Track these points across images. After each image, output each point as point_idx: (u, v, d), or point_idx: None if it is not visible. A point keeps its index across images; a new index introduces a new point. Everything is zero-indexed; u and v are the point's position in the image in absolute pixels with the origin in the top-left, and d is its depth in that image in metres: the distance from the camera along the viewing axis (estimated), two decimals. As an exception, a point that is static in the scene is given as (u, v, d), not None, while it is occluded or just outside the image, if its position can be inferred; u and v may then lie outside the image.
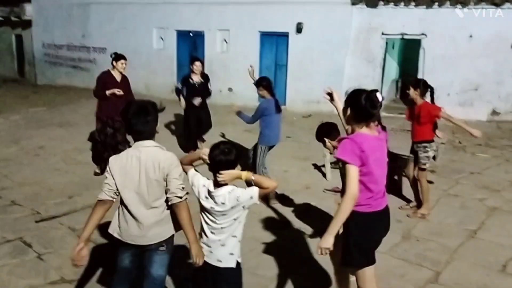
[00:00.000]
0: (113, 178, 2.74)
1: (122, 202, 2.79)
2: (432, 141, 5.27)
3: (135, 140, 2.78)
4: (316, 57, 11.30)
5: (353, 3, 10.78)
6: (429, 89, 5.19)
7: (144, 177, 2.71)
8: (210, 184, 2.67)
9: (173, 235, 2.88)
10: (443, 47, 10.10)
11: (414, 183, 5.43)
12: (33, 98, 13.51)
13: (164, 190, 2.74)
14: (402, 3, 10.29)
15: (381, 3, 10.52)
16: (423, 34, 10.24)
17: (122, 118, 2.82)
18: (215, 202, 2.63)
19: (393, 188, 6.12)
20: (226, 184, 2.63)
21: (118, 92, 6.25)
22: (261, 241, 4.65)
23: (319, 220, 5.07)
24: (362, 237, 2.74)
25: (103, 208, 2.76)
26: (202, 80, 7.50)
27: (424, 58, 10.38)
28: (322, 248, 2.62)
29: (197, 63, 7.46)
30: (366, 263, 2.73)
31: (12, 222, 4.88)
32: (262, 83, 5.82)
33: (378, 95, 2.76)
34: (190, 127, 7.62)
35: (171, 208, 2.76)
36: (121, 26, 14.11)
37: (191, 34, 13.07)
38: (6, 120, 10.28)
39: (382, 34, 10.66)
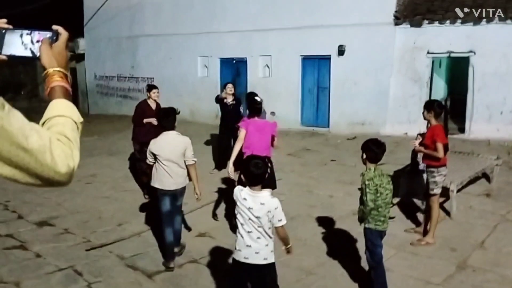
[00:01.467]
0: (152, 154, 4.59)
1: (159, 166, 4.57)
2: (441, 166, 5.04)
3: (164, 130, 4.66)
4: (359, 78, 11.16)
5: (396, 23, 10.62)
6: (443, 110, 5.25)
7: (172, 150, 4.58)
8: (247, 189, 3.18)
9: (186, 184, 4.78)
10: (494, 64, 9.68)
11: (427, 208, 5.29)
12: (86, 128, 13.84)
13: (183, 156, 4.59)
14: (448, 21, 10.00)
15: (426, 21, 10.28)
16: (471, 51, 9.87)
17: (156, 119, 5.25)
18: (254, 202, 3.12)
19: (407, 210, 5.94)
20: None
21: (155, 122, 6.66)
22: (307, 271, 4.55)
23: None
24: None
25: (150, 167, 4.73)
26: (234, 102, 8.09)
27: (474, 75, 9.97)
28: (230, 174, 5.09)
29: (229, 85, 8.24)
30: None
31: (65, 250, 5.05)
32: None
33: (256, 98, 5.36)
34: (221, 148, 8.35)
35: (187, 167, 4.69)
36: (167, 56, 14.65)
37: (233, 61, 13.33)
38: (61, 150, 10.81)
39: (428, 53, 10.38)
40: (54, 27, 1.39)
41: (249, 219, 3.11)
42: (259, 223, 3.09)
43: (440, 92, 11.99)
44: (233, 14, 12.87)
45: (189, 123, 12.19)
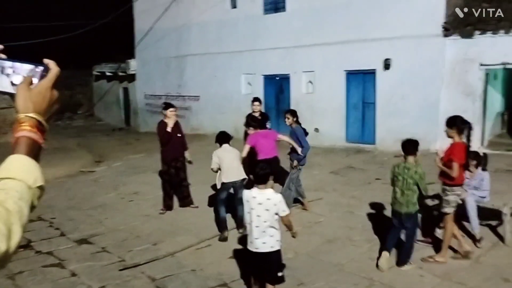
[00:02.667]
0: (218, 158, 5.99)
1: (224, 166, 5.96)
2: (456, 185, 4.72)
3: (221, 145, 6.10)
4: (407, 93, 10.72)
5: (446, 35, 10.13)
6: (467, 126, 4.82)
7: (231, 156, 6.03)
8: (255, 189, 3.93)
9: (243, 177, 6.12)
10: (556, 74, 8.97)
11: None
12: (135, 145, 14.60)
13: (239, 156, 6.14)
14: (502, 31, 9.40)
15: (477, 32, 9.73)
16: (529, 62, 9.21)
17: (216, 138, 6.23)
18: (262, 198, 3.83)
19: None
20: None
21: (171, 129, 6.98)
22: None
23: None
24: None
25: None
26: (260, 118, 7.95)
27: (533, 87, 9.29)
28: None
29: (256, 103, 8.13)
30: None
31: (99, 270, 5.10)
32: (296, 115, 7.06)
33: (253, 116, 7.20)
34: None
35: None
36: (212, 74, 14.88)
37: (277, 78, 13.29)
38: (109, 167, 11.16)
39: (481, 65, 9.79)
40: (45, 61, 1.10)
41: (258, 215, 3.80)
42: (266, 216, 3.80)
43: (496, 105, 11.26)
44: (276, 31, 12.88)
45: (234, 140, 12.20)
